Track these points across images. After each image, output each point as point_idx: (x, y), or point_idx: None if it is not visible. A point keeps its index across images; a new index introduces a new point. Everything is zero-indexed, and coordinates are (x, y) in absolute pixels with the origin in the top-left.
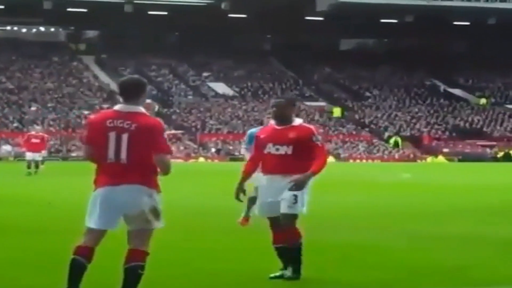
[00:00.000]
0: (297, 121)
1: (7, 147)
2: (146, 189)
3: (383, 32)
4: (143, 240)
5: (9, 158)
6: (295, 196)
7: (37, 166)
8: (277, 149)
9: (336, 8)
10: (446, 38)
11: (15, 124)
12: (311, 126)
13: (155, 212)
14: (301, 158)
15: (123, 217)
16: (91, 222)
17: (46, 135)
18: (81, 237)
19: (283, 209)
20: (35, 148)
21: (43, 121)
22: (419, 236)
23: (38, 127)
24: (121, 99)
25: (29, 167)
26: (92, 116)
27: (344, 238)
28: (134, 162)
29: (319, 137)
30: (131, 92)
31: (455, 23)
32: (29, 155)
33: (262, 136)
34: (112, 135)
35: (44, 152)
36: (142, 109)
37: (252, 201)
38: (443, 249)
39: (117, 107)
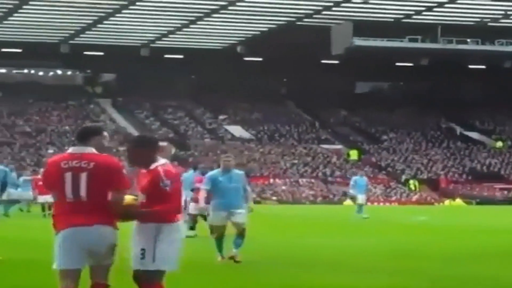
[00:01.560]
0: (156, 163)
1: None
2: (110, 228)
3: (398, 75)
4: (106, 274)
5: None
6: (143, 250)
7: (50, 208)
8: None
9: (352, 51)
10: (461, 81)
11: (32, 168)
12: (159, 169)
13: (115, 249)
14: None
15: (87, 254)
16: (63, 263)
17: None
18: (60, 282)
19: (134, 265)
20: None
21: None
22: (439, 278)
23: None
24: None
25: (43, 209)
26: (47, 162)
27: (363, 280)
28: (95, 201)
29: (168, 182)
30: (82, 136)
31: (470, 66)
32: (40, 198)
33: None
34: (68, 175)
35: None
36: (93, 150)
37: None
38: None
39: (70, 149)
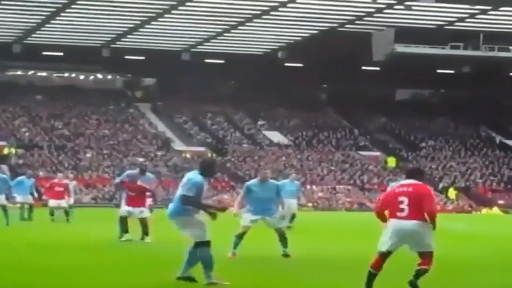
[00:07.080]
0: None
1: None
2: None
3: (439, 82)
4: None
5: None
6: None
7: (67, 214)
8: None
9: (393, 58)
10: (502, 89)
11: (70, 171)
12: None
13: None
14: None
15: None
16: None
17: (69, 182)
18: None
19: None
20: (57, 196)
21: (98, 167)
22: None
23: (60, 174)
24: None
25: (51, 214)
26: None
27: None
28: None
29: None
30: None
31: None
32: (52, 203)
33: None
34: None
35: (68, 199)
36: None
37: (239, 237)
38: None
39: None
